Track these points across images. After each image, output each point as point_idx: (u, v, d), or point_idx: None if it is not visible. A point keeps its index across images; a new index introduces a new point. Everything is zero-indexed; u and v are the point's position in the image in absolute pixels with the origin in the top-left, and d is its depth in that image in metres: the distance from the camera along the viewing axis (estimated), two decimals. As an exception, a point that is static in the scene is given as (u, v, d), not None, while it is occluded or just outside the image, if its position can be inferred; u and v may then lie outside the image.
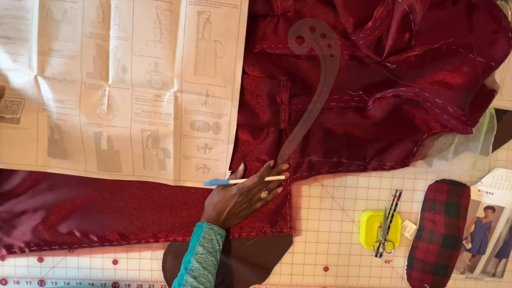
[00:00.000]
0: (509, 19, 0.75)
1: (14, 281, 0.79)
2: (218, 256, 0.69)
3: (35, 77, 0.69)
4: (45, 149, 0.73)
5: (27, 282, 0.79)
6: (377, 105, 0.71)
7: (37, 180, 0.75)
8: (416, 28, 0.68)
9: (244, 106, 0.72)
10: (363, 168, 0.78)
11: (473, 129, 0.77)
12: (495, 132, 0.79)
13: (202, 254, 0.67)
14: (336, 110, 0.74)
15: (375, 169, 0.78)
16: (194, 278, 0.64)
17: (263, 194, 0.75)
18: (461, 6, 0.72)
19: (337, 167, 0.77)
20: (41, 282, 0.79)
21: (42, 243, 0.76)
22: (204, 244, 0.68)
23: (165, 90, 0.70)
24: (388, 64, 0.72)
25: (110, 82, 0.70)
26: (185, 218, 0.77)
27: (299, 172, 0.77)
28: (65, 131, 0.72)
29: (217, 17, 0.67)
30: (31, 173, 0.74)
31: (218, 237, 0.70)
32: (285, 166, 0.77)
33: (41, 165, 0.73)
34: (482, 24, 0.72)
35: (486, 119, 0.78)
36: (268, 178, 0.74)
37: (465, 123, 0.71)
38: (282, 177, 0.76)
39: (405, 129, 0.75)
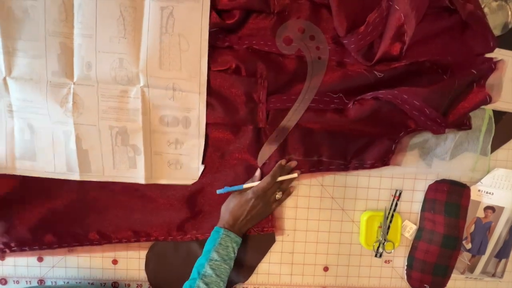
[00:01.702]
0: (509, 19, 0.76)
1: (13, 281, 0.79)
2: (232, 264, 0.70)
3: (4, 79, 0.69)
4: (13, 152, 0.72)
5: (26, 281, 0.79)
6: (356, 107, 0.71)
7: (16, 182, 0.74)
8: (408, 40, 0.69)
9: (220, 104, 0.73)
10: (344, 167, 0.78)
11: (473, 130, 0.78)
12: (493, 134, 0.79)
13: (216, 260, 0.67)
14: (315, 110, 0.74)
15: (356, 168, 0.78)
16: (206, 284, 0.64)
17: (278, 195, 0.75)
18: (455, 21, 0.72)
19: (318, 166, 0.78)
20: (41, 281, 0.79)
21: (22, 244, 0.76)
22: (219, 250, 0.68)
23: (131, 85, 0.70)
24: (376, 72, 0.72)
25: (75, 79, 0.70)
26: (165, 217, 0.77)
27: None
28: (37, 130, 0.72)
29: (180, 11, 0.68)
30: (9, 175, 0.73)
31: (234, 244, 0.70)
32: (294, 163, 0.76)
33: (10, 167, 0.73)
34: (471, 43, 0.74)
35: (485, 121, 0.78)
36: (280, 178, 0.74)
37: (440, 124, 0.72)
38: (295, 175, 0.76)
39: (383, 128, 0.75)
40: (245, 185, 0.74)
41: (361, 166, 0.78)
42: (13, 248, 0.76)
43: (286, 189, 0.77)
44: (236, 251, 0.70)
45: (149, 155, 0.74)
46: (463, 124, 0.77)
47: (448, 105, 0.73)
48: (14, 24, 0.67)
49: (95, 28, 0.68)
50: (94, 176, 0.74)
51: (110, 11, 0.67)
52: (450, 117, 0.74)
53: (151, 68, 0.70)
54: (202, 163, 0.76)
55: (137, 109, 0.71)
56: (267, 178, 0.73)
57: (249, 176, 0.77)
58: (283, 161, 0.76)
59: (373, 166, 0.78)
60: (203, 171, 0.76)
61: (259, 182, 0.74)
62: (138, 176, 0.74)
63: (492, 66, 0.72)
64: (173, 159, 0.75)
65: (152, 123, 0.73)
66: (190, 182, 0.76)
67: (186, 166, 0.75)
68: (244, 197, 0.73)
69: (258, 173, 0.76)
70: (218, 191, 0.75)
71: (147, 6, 0.68)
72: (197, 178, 0.76)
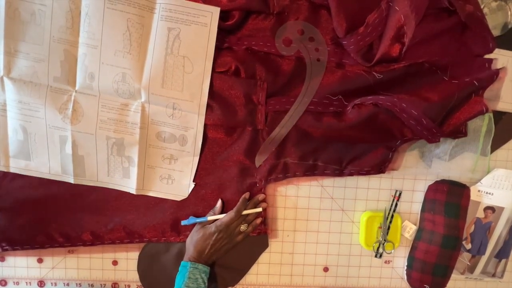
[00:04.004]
0: (509, 19, 0.76)
1: (13, 282, 0.79)
2: None
3: (1, 78, 0.69)
4: (7, 150, 0.73)
5: (26, 283, 0.79)
6: (355, 111, 0.71)
7: (9, 179, 0.75)
8: (408, 41, 0.69)
9: (220, 105, 0.73)
10: (338, 172, 0.78)
11: (473, 130, 0.78)
12: (493, 134, 0.79)
13: None
14: (313, 113, 0.74)
15: (351, 174, 0.78)
16: None
17: (243, 227, 0.75)
18: (454, 22, 0.72)
19: (313, 170, 0.78)
20: (41, 283, 0.79)
21: (14, 243, 0.76)
22: (189, 284, 0.69)
23: (132, 100, 0.71)
24: (375, 74, 0.72)
25: (77, 87, 0.70)
26: (159, 218, 0.78)
27: (274, 174, 0.77)
28: (30, 132, 0.72)
29: (187, 34, 0.68)
30: (2, 173, 0.74)
31: (203, 275, 0.71)
32: (262, 196, 0.77)
33: (3, 165, 0.73)
34: (470, 44, 0.74)
35: (485, 121, 0.78)
36: (245, 212, 0.75)
37: (435, 134, 0.73)
38: (259, 209, 0.76)
39: (380, 135, 0.75)
40: (210, 218, 0.75)
41: (356, 172, 0.78)
42: (4, 247, 0.76)
43: (251, 221, 0.76)
44: (206, 280, 0.71)
45: (142, 167, 0.74)
46: (459, 132, 0.77)
47: (445, 115, 0.73)
48: (20, 26, 0.67)
49: (101, 39, 0.68)
50: (87, 181, 0.75)
51: (117, 25, 0.67)
52: (446, 127, 0.74)
53: (153, 86, 0.70)
54: (194, 180, 0.76)
55: (135, 123, 0.72)
56: (230, 214, 0.73)
57: (243, 178, 0.77)
58: (247, 195, 0.76)
59: (368, 173, 0.78)
60: (197, 171, 0.76)
61: (223, 215, 0.74)
62: (130, 186, 0.75)
63: (494, 76, 0.71)
64: (165, 173, 0.76)
65: (149, 138, 0.73)
66: (179, 198, 0.77)
67: (177, 182, 0.76)
68: (208, 231, 0.73)
69: (219, 204, 0.77)
70: (182, 222, 0.76)
71: (155, 25, 0.68)
72: (187, 195, 0.77)
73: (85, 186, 0.75)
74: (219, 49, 0.72)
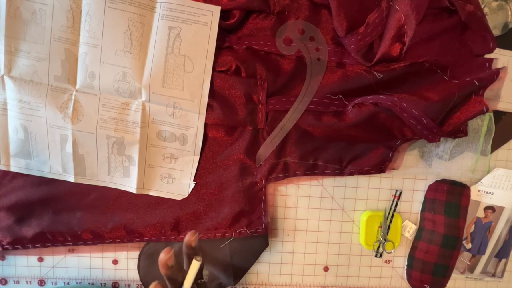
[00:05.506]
0: (509, 19, 0.76)
1: (14, 281, 0.79)
2: None
3: (1, 77, 0.69)
4: (7, 149, 0.73)
5: (27, 282, 0.79)
6: (356, 110, 0.71)
7: (9, 178, 0.74)
8: (408, 40, 0.69)
9: (220, 105, 0.72)
10: (339, 172, 0.78)
11: (473, 130, 0.78)
12: (493, 134, 0.79)
13: None
14: (313, 112, 0.74)
15: (351, 173, 0.78)
16: None
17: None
18: (454, 22, 0.72)
19: (313, 170, 0.77)
20: (41, 282, 0.80)
21: (15, 242, 0.76)
22: None
23: (133, 99, 0.71)
24: (375, 73, 0.72)
25: (77, 86, 0.70)
26: (159, 218, 0.77)
27: (274, 173, 0.77)
28: (30, 131, 0.72)
29: (187, 33, 0.68)
30: (3, 172, 0.74)
31: None
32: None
33: (4, 164, 0.73)
34: (470, 44, 0.74)
35: (485, 121, 0.78)
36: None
37: (435, 134, 0.73)
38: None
39: (380, 135, 0.75)
40: None
41: (356, 172, 0.78)
42: (5, 246, 0.76)
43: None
44: None
45: (143, 166, 0.74)
46: (460, 132, 0.77)
47: (445, 115, 0.73)
48: (20, 25, 0.67)
49: (101, 38, 0.68)
50: (88, 180, 0.75)
51: (118, 24, 0.67)
52: (446, 127, 0.74)
53: (153, 85, 0.70)
54: (194, 179, 0.76)
55: (136, 122, 0.72)
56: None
57: (244, 177, 0.77)
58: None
59: (369, 172, 0.78)
60: (198, 170, 0.76)
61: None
62: (130, 185, 0.75)
63: (494, 76, 0.71)
64: (166, 172, 0.75)
65: (150, 137, 0.73)
66: (179, 197, 0.77)
67: (177, 181, 0.76)
68: None
69: None
70: None
71: (156, 24, 0.68)
72: (187, 195, 0.77)
73: (85, 185, 0.75)
74: (220, 48, 0.72)
